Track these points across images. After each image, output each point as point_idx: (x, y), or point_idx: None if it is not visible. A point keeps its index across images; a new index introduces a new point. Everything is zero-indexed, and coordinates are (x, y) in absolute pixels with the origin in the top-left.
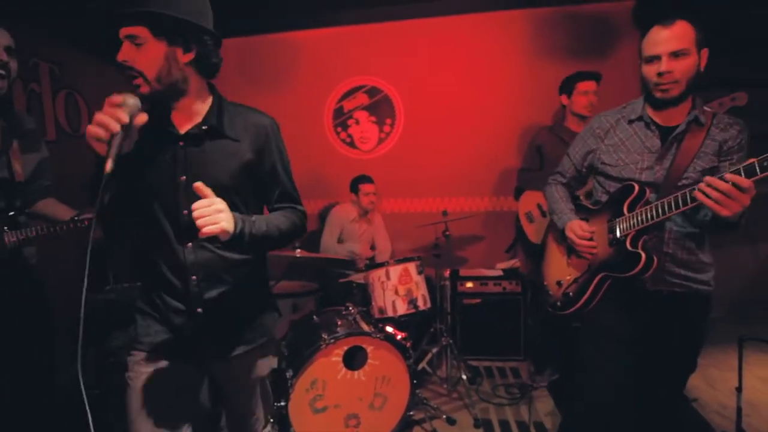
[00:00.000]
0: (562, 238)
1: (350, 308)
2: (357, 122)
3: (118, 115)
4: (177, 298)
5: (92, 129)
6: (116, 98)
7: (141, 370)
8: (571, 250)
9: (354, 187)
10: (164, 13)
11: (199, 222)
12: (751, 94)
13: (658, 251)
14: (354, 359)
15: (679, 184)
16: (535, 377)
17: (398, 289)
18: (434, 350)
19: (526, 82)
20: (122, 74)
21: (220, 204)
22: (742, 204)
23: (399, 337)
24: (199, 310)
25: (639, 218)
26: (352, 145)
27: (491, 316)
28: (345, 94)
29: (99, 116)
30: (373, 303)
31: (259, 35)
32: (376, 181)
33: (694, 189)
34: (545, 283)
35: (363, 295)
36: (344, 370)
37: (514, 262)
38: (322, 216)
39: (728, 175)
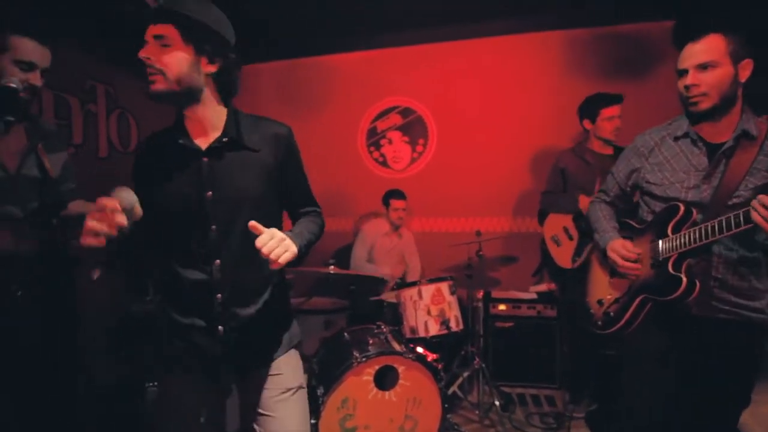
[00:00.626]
0: (605, 256)
1: (382, 327)
2: (390, 142)
3: (115, 220)
4: (200, 315)
5: (88, 240)
6: (111, 202)
7: (170, 392)
8: (614, 269)
9: (385, 200)
10: (199, 19)
11: (272, 256)
12: None
13: (706, 275)
14: (385, 379)
15: (729, 203)
16: (570, 407)
17: (430, 309)
18: (465, 374)
19: (561, 103)
20: (142, 70)
21: (279, 233)
22: None
23: (430, 358)
24: (221, 328)
25: (682, 240)
26: (384, 164)
27: (525, 340)
28: (379, 114)
29: (93, 225)
30: (405, 322)
31: (295, 59)
32: (408, 201)
33: (747, 210)
34: (587, 300)
35: (394, 314)
36: (375, 389)
37: (549, 286)
38: (357, 232)
39: None
